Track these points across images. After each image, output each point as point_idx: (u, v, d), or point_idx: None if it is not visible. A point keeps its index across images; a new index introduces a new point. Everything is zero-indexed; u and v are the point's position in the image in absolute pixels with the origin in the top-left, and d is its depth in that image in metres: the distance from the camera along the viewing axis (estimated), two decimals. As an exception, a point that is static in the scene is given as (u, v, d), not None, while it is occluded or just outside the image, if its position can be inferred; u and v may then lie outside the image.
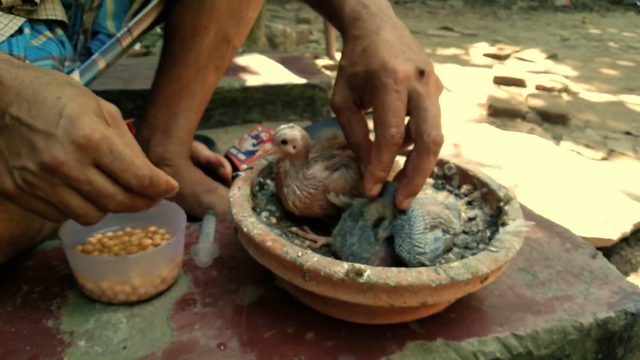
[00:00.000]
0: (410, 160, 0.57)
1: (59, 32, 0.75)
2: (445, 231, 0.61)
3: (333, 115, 0.65)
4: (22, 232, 0.66)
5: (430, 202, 0.64)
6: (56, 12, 0.73)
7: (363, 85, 0.59)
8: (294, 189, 0.65)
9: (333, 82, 1.75)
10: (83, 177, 0.49)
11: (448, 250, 0.64)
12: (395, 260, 0.58)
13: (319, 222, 0.68)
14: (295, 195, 0.65)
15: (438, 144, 0.55)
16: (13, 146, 0.48)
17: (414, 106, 0.56)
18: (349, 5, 0.63)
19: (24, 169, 0.48)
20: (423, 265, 0.57)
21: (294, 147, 0.64)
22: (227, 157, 1.18)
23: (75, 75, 0.77)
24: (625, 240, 1.38)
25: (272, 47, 3.07)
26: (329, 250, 0.64)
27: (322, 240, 0.65)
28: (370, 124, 0.59)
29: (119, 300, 0.64)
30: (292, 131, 0.64)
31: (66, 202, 0.50)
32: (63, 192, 0.50)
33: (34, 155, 0.48)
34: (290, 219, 0.70)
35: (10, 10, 0.67)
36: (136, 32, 0.85)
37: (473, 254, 0.59)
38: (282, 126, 0.65)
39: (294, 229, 0.68)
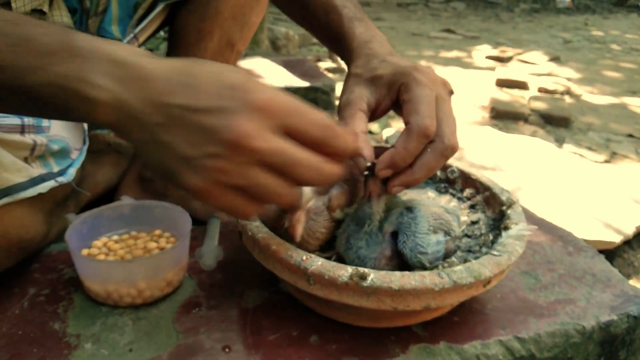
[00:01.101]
0: (422, 156, 0.56)
1: None
2: (446, 233, 0.62)
3: (336, 118, 0.64)
4: (31, 237, 0.67)
5: (432, 204, 0.65)
6: (63, 18, 0.74)
7: (388, 85, 0.60)
8: (309, 234, 0.62)
9: (336, 85, 1.76)
10: (271, 146, 0.44)
11: (448, 254, 0.64)
12: (401, 258, 0.59)
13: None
14: (312, 238, 0.63)
15: (454, 150, 0.56)
16: (186, 138, 0.43)
17: (438, 110, 0.57)
18: (358, 30, 0.65)
19: (207, 157, 0.43)
20: (423, 265, 0.58)
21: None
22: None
23: None
24: (627, 243, 1.38)
25: (275, 50, 3.08)
26: (329, 256, 0.65)
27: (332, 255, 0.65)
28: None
29: (125, 303, 0.64)
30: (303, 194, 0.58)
31: (258, 181, 0.45)
32: (253, 171, 0.44)
33: (214, 137, 0.43)
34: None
35: None
36: (142, 38, 0.86)
37: (476, 258, 0.60)
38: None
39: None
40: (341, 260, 0.62)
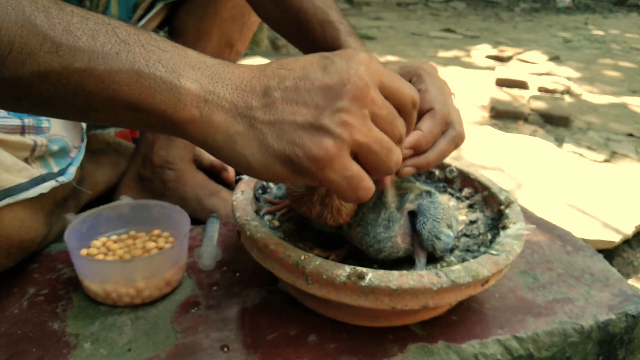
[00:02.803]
0: (436, 142, 0.58)
1: None
2: (451, 229, 0.63)
3: None
4: (31, 238, 0.67)
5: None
6: None
7: None
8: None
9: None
10: (382, 100, 0.45)
11: (450, 250, 0.65)
12: (414, 237, 0.61)
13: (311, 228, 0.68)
14: (348, 207, 0.61)
15: (463, 138, 0.60)
16: (302, 106, 0.42)
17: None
18: (355, 45, 0.68)
19: (335, 112, 0.42)
20: (434, 250, 0.60)
21: None
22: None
23: None
24: (627, 242, 1.38)
25: (275, 50, 3.08)
26: (327, 256, 0.65)
27: (332, 255, 0.65)
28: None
29: (124, 303, 0.64)
30: None
31: (379, 137, 0.44)
32: (372, 127, 0.44)
33: (336, 93, 0.42)
34: (292, 221, 0.70)
35: None
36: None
37: (474, 257, 0.60)
38: None
39: (315, 251, 0.65)
40: (343, 260, 0.62)
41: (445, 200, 0.67)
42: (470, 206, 0.74)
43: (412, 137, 0.56)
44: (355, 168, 0.44)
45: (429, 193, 0.62)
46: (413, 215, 0.62)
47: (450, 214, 0.64)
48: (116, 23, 0.41)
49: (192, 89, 0.41)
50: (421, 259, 0.61)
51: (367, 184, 0.45)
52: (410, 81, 0.61)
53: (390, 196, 0.61)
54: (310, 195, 0.61)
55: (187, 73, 0.41)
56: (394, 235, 0.60)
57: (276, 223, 0.69)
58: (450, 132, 0.59)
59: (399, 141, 0.47)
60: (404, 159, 0.57)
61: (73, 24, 0.39)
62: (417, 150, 0.57)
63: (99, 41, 0.39)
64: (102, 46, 0.39)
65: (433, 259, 0.63)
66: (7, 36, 0.36)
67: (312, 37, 0.71)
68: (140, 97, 0.40)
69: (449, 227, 0.62)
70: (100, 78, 0.39)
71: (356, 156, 0.44)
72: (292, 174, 0.43)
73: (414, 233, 0.61)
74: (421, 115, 0.58)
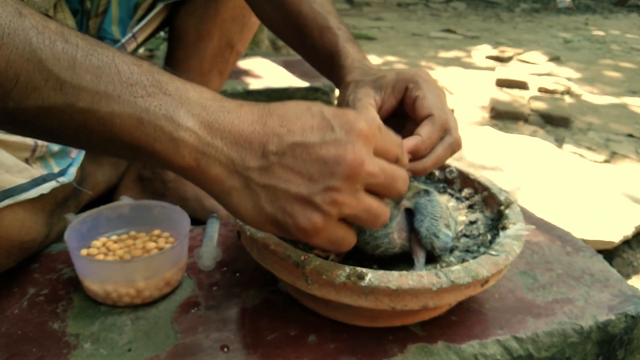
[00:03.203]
0: (433, 149, 0.59)
1: None
2: (448, 227, 0.63)
3: None
4: (32, 238, 0.67)
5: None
6: (67, 20, 0.74)
7: (393, 85, 0.62)
8: None
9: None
10: (378, 169, 0.45)
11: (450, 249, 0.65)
12: (410, 233, 0.61)
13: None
14: None
15: (460, 145, 0.61)
16: (297, 176, 0.43)
17: None
18: (352, 50, 0.68)
19: (327, 190, 0.43)
20: (433, 248, 0.60)
21: None
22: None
23: None
24: (627, 242, 1.38)
25: (275, 50, 3.08)
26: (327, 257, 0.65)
27: (332, 255, 0.65)
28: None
29: (124, 303, 0.64)
30: None
31: (368, 207, 0.45)
32: (364, 197, 0.45)
33: (330, 169, 0.43)
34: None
35: None
36: (141, 38, 0.87)
37: (474, 258, 0.60)
38: None
39: (315, 251, 0.66)
40: (343, 260, 0.62)
41: (445, 201, 0.67)
42: (470, 207, 0.74)
43: (411, 142, 0.56)
44: (340, 233, 0.46)
45: (427, 192, 0.62)
46: (411, 214, 0.62)
47: (449, 214, 0.64)
48: (120, 58, 0.41)
49: (191, 141, 0.42)
50: (420, 259, 0.61)
51: (350, 241, 0.48)
52: (406, 89, 0.61)
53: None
54: None
55: (186, 122, 0.42)
56: (391, 232, 0.60)
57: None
58: (447, 138, 0.59)
59: (397, 195, 0.48)
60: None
61: (78, 60, 0.39)
62: (416, 156, 0.57)
63: (102, 81, 0.39)
64: (105, 87, 0.39)
65: (432, 259, 0.63)
66: (13, 69, 0.37)
67: (310, 42, 0.71)
68: (140, 142, 0.41)
69: (447, 227, 0.62)
70: (102, 120, 0.40)
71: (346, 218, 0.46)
72: (282, 234, 0.46)
73: (412, 232, 0.61)
74: (419, 121, 0.59)
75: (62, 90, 0.38)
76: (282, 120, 0.44)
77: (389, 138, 0.48)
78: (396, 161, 0.48)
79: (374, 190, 0.46)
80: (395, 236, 0.61)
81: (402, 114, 0.62)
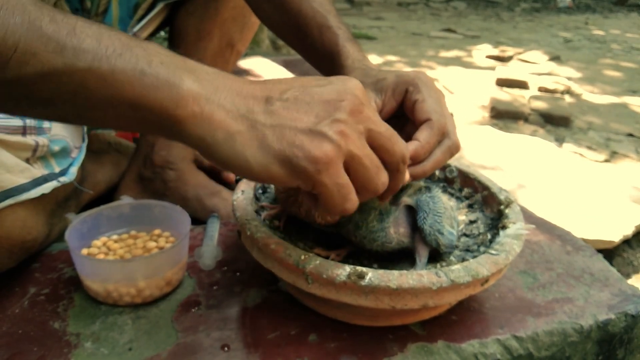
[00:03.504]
0: (432, 153, 0.60)
1: None
2: (452, 226, 0.63)
3: None
4: (33, 238, 0.67)
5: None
6: None
7: (393, 87, 0.62)
8: None
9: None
10: (378, 118, 0.48)
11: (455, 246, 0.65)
12: (408, 229, 0.61)
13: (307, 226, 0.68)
14: None
15: (459, 148, 0.61)
16: (303, 114, 0.45)
17: None
18: (352, 50, 0.69)
19: (334, 122, 0.44)
20: (438, 245, 0.60)
21: None
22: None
23: None
24: (627, 242, 1.38)
25: (276, 50, 3.08)
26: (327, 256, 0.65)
27: (332, 254, 0.64)
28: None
29: (125, 303, 0.64)
30: None
31: (370, 154, 0.47)
32: (365, 144, 0.46)
33: (335, 106, 0.45)
34: (293, 221, 0.70)
35: None
36: (141, 38, 0.87)
37: (474, 257, 0.60)
38: None
39: (315, 250, 0.65)
40: (343, 259, 0.62)
41: (446, 200, 0.67)
42: (470, 206, 0.74)
43: (411, 147, 0.57)
44: (347, 178, 0.46)
45: (428, 188, 0.62)
46: (412, 212, 0.62)
47: (451, 213, 0.64)
48: (119, 31, 0.42)
49: (194, 88, 0.42)
50: (422, 258, 0.61)
51: (354, 197, 0.47)
52: (406, 91, 0.61)
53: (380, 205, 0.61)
54: (297, 195, 0.62)
55: (188, 76, 0.43)
56: (387, 227, 0.60)
57: (276, 223, 0.70)
58: (446, 142, 0.60)
59: (393, 163, 0.49)
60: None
61: (78, 27, 0.40)
62: (415, 160, 0.57)
63: (102, 43, 0.40)
64: (105, 48, 0.40)
65: (433, 258, 0.63)
66: (12, 38, 0.37)
67: (310, 41, 0.72)
68: (141, 95, 0.41)
69: (451, 225, 0.62)
70: (103, 76, 0.40)
71: (347, 170, 0.46)
72: (289, 176, 0.44)
73: (416, 230, 0.61)
74: (418, 125, 0.59)
75: (62, 53, 0.39)
76: (281, 80, 0.47)
77: (387, 129, 0.49)
78: (392, 154, 0.49)
79: (375, 145, 0.47)
80: (392, 231, 0.60)
81: (402, 116, 0.63)
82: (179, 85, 0.42)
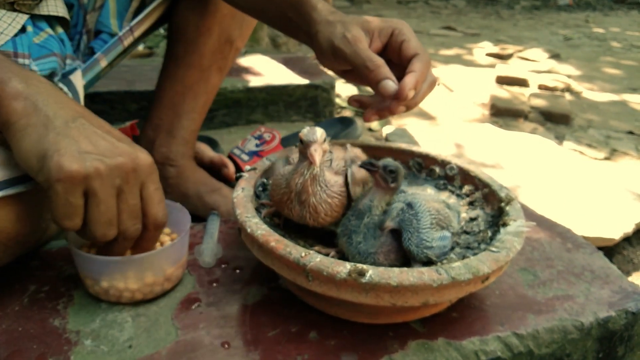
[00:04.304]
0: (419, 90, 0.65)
1: (59, 30, 0.76)
2: (445, 229, 0.62)
3: (336, 116, 0.66)
4: (28, 232, 0.66)
5: (433, 199, 0.65)
6: (58, 8, 0.73)
7: (379, 29, 0.68)
8: (323, 199, 0.62)
9: (335, 82, 1.77)
10: (136, 191, 0.56)
11: (450, 249, 0.64)
12: (400, 253, 0.60)
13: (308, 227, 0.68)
14: (326, 205, 0.63)
15: (436, 81, 0.68)
16: (89, 140, 0.54)
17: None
18: (320, 3, 0.70)
19: (100, 160, 0.53)
20: (430, 259, 0.59)
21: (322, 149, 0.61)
22: (230, 157, 1.19)
23: (78, 74, 0.78)
24: (627, 239, 1.38)
25: (275, 48, 3.07)
26: (328, 253, 0.65)
27: (332, 252, 0.65)
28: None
29: (124, 300, 0.64)
30: (322, 130, 0.61)
31: (110, 205, 0.54)
32: (114, 196, 0.54)
33: (113, 153, 0.54)
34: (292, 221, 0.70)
35: (12, 5, 0.68)
36: (138, 32, 0.86)
37: (474, 254, 0.60)
38: (308, 127, 0.62)
39: (316, 247, 0.66)
40: (343, 257, 0.62)
41: (438, 198, 0.67)
42: (471, 203, 0.74)
43: (412, 79, 0.62)
44: (78, 202, 0.53)
45: (409, 205, 0.61)
46: (397, 233, 0.60)
47: (444, 213, 0.63)
48: None
49: (16, 83, 0.55)
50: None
51: (76, 222, 0.54)
52: (392, 34, 0.67)
53: (377, 201, 0.61)
54: (289, 194, 0.62)
55: (10, 69, 0.56)
56: (374, 252, 0.59)
57: (277, 220, 0.69)
58: (429, 77, 0.66)
59: (121, 233, 0.57)
60: (395, 98, 0.63)
61: None
62: (418, 88, 0.63)
63: None
64: None
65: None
66: None
67: (274, 8, 0.73)
68: None
69: (443, 227, 0.61)
70: None
71: (87, 204, 0.54)
72: (38, 170, 0.53)
73: (404, 251, 0.60)
74: (406, 60, 0.65)
75: None
76: (98, 122, 0.58)
77: (161, 196, 0.59)
78: (154, 219, 0.59)
79: (121, 207, 0.56)
80: (381, 258, 0.59)
81: (388, 61, 0.66)
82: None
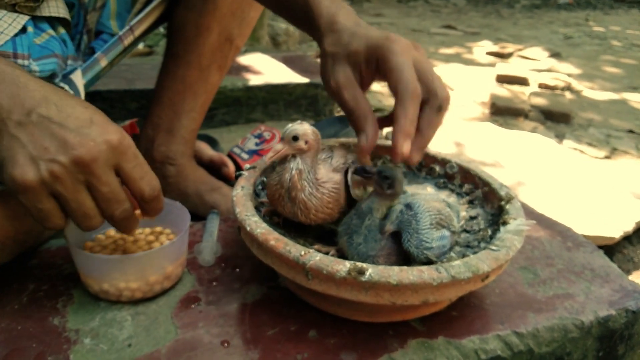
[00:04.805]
0: (424, 117, 0.61)
1: (61, 30, 0.76)
2: (446, 228, 0.62)
3: (336, 114, 0.66)
4: (26, 230, 0.66)
5: (433, 198, 0.65)
6: (59, 9, 0.73)
7: (366, 60, 0.63)
8: (313, 194, 0.62)
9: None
10: (106, 178, 0.53)
11: (450, 248, 0.64)
12: (400, 256, 0.59)
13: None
14: (316, 201, 0.62)
15: (449, 100, 0.61)
16: (40, 141, 0.51)
17: (420, 70, 0.61)
18: (325, 4, 0.67)
19: (53, 162, 0.50)
20: (430, 260, 0.59)
21: (306, 142, 0.61)
22: (230, 156, 1.19)
23: (78, 73, 0.78)
24: (627, 238, 1.38)
25: (275, 46, 3.07)
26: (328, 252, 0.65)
27: (332, 250, 0.64)
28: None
29: (124, 299, 0.64)
30: (302, 126, 0.62)
31: (81, 200, 0.53)
32: (82, 190, 0.53)
33: (66, 150, 0.51)
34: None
35: (13, 7, 0.68)
36: (138, 31, 0.86)
37: (474, 253, 0.60)
38: (290, 124, 0.63)
39: (316, 246, 0.66)
40: (343, 256, 0.62)
41: (439, 197, 0.66)
42: (471, 202, 0.74)
43: (397, 133, 0.58)
44: (49, 205, 0.52)
45: (408, 206, 0.60)
46: (398, 235, 0.60)
47: (445, 212, 0.62)
48: None
49: None
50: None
51: (54, 222, 0.54)
52: (377, 62, 0.62)
53: (377, 204, 0.60)
54: (280, 190, 0.62)
55: None
56: (374, 255, 0.59)
57: (276, 219, 0.69)
58: (433, 102, 0.60)
59: (112, 217, 0.56)
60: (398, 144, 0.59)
61: None
62: (410, 136, 0.59)
63: None
64: None
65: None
66: None
67: (284, 2, 0.72)
68: None
69: (443, 226, 0.61)
70: None
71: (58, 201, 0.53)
72: (1, 179, 0.52)
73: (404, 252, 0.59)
74: (396, 93, 0.60)
75: None
76: (61, 100, 0.53)
77: (142, 171, 0.56)
78: (141, 196, 0.56)
79: (95, 196, 0.54)
80: (382, 261, 0.59)
81: None
82: None
